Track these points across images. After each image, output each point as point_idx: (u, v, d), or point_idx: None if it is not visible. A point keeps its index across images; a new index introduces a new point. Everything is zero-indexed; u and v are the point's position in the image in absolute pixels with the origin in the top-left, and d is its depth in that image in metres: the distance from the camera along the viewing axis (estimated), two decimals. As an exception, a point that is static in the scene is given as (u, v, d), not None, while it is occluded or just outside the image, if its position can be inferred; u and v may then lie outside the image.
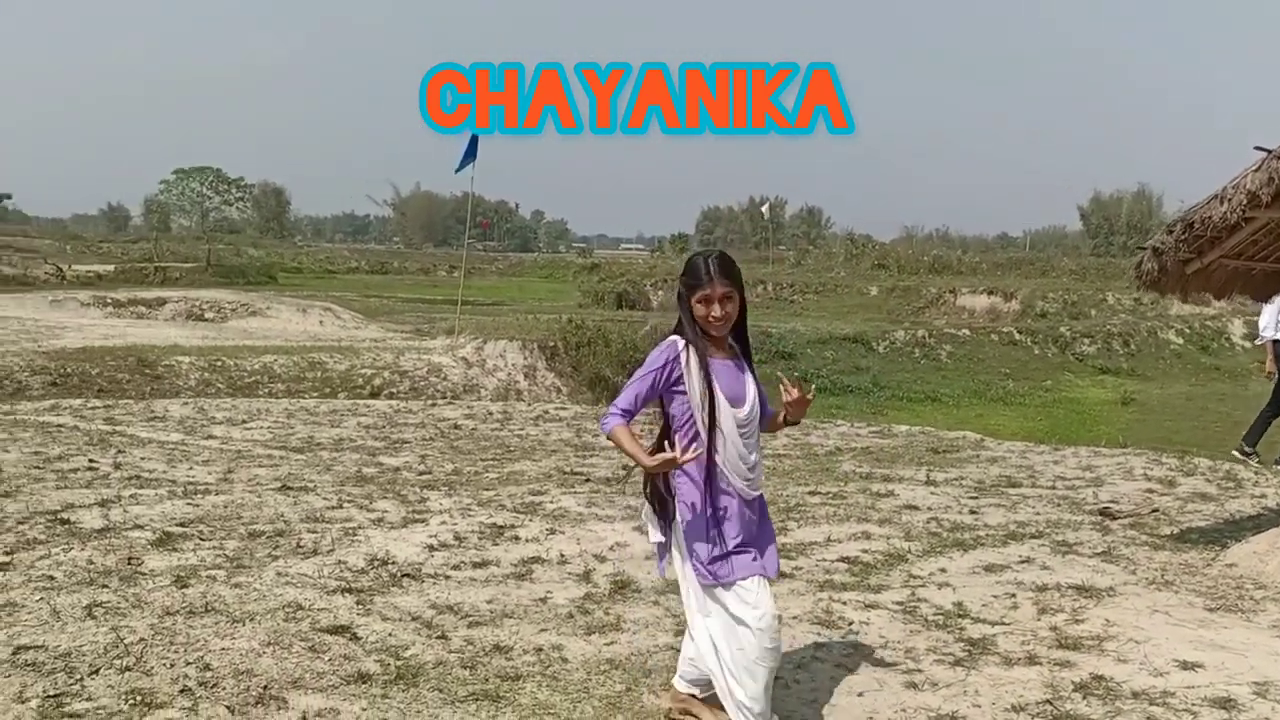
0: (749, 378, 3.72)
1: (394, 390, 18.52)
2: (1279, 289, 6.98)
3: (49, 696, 4.05)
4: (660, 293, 50.65)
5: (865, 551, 6.53)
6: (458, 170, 23.39)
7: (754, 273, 52.22)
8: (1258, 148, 5.34)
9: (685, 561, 3.74)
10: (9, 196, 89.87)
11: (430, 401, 14.47)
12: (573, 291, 50.33)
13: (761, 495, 3.81)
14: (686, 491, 3.67)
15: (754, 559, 3.68)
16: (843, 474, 9.21)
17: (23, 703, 3.99)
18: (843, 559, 6.36)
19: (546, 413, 12.90)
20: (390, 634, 4.85)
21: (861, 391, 31.19)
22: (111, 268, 46.63)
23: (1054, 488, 8.83)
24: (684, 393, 3.60)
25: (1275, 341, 11.10)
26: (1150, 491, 8.66)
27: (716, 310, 3.57)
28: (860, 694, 4.42)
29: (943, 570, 6.20)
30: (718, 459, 3.60)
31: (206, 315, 30.16)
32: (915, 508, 7.85)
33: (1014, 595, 5.75)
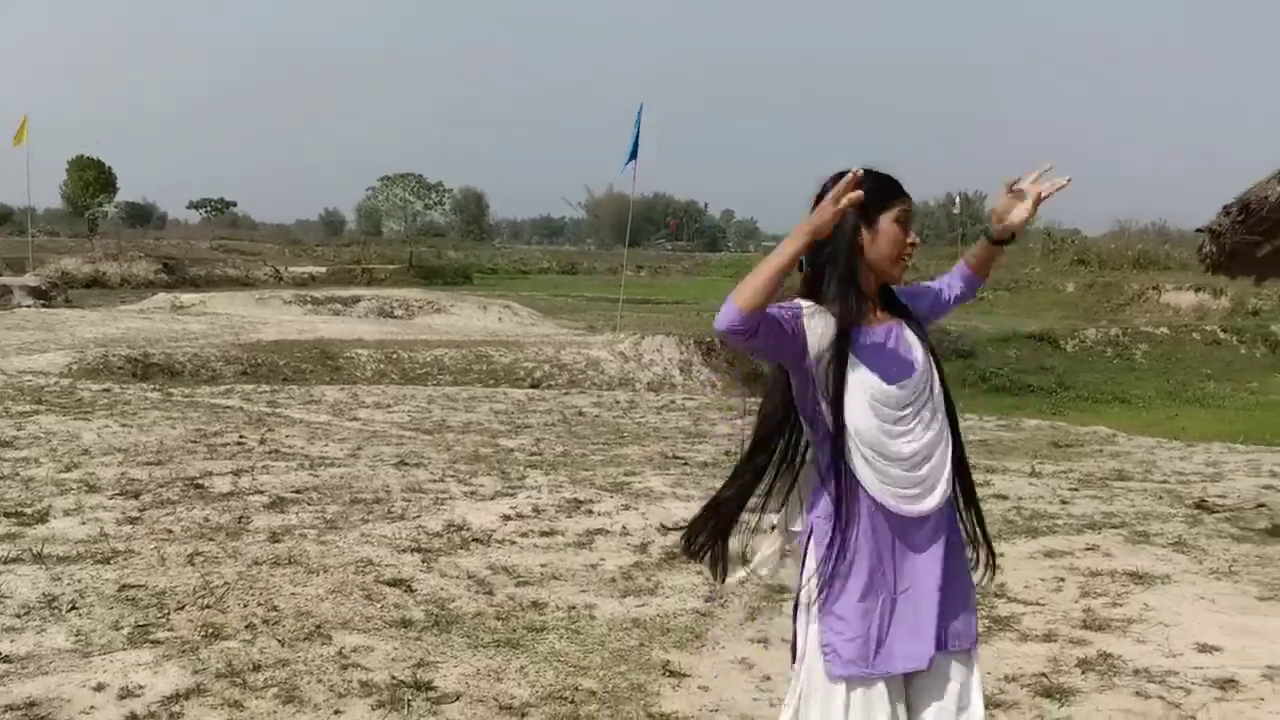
0: (917, 344, 2.54)
1: (553, 382, 19.29)
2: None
3: (138, 626, 4.74)
4: (842, 289, 50.22)
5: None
6: (624, 167, 24.19)
7: (942, 269, 51.00)
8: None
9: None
10: (234, 204, 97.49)
11: (564, 390, 15.08)
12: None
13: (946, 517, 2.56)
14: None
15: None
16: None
17: (116, 630, 4.69)
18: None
19: (673, 402, 13.32)
20: (442, 588, 5.36)
21: (1045, 391, 30.09)
22: (324, 269, 50.13)
23: (1165, 482, 8.55)
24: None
25: None
26: (1269, 488, 8.27)
27: (913, 234, 2.52)
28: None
29: (1001, 555, 6.20)
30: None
31: (396, 313, 32.11)
32: (1004, 497, 7.81)
33: (1063, 579, 5.74)
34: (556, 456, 9.15)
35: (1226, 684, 4.26)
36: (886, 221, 2.49)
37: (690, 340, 22.90)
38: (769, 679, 4.38)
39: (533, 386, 18.15)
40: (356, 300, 33.08)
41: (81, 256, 43.04)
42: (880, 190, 2.47)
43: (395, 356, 20.39)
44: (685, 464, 8.86)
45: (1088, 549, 6.32)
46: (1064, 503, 7.65)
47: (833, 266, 2.49)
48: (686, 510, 7.05)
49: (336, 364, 19.47)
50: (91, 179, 63.63)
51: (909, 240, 2.51)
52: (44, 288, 31.76)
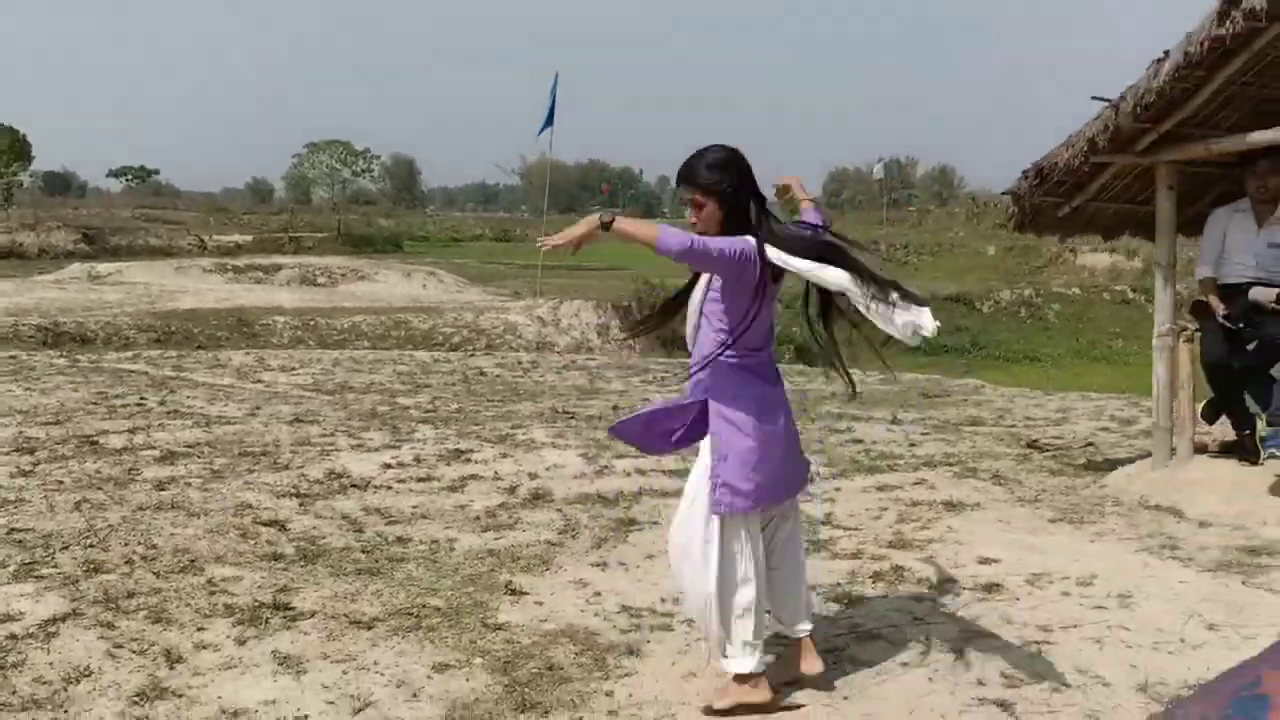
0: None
1: (471, 347, 19.67)
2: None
3: (23, 564, 5.13)
4: (770, 254, 50.97)
5: (778, 474, 7.19)
6: (539, 134, 24.46)
7: (869, 233, 51.94)
8: (1095, 98, 5.74)
9: None
10: (156, 172, 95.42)
11: (469, 353, 15.49)
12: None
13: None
14: None
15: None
16: (816, 414, 9.82)
17: (2, 567, 5.08)
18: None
19: (574, 362, 13.81)
20: (314, 528, 5.81)
21: (958, 351, 31.05)
22: (250, 238, 49.59)
23: (1013, 426, 9.26)
24: None
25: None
26: (1103, 429, 9.01)
27: (690, 216, 3.50)
28: (681, 577, 5.16)
29: (837, 489, 6.84)
30: None
31: (319, 280, 32.10)
32: (860, 441, 8.45)
33: (886, 509, 6.36)
34: (450, 413, 9.61)
35: (992, 587, 4.89)
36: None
37: (607, 304, 23.41)
38: (599, 595, 4.92)
39: (450, 350, 18.52)
40: (278, 268, 32.99)
41: (-5, 226, 42.18)
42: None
43: (313, 324, 20.61)
44: (572, 418, 9.36)
45: (917, 483, 6.96)
46: (912, 445, 8.31)
47: None
48: (560, 457, 7.58)
49: (253, 331, 19.65)
50: (5, 147, 62.07)
51: (691, 221, 3.47)
52: (-45, 259, 31.19)
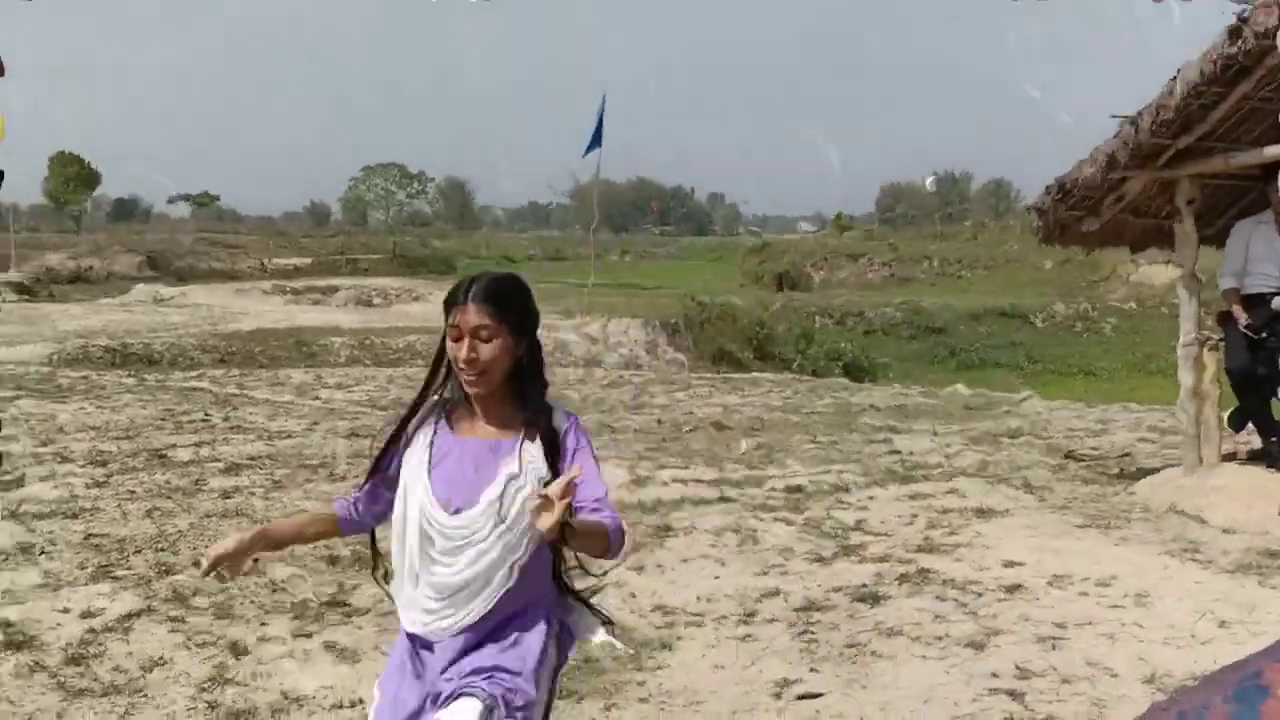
0: (510, 469, 2.32)
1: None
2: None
3: (100, 566, 5.52)
4: (821, 273, 51.04)
5: (813, 484, 7.41)
6: (585, 154, 24.86)
7: (921, 248, 51.84)
8: (1115, 115, 5.92)
9: None
10: (218, 198, 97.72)
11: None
12: (736, 273, 51.32)
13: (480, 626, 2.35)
14: None
15: None
16: (857, 426, 10.00)
17: (81, 569, 5.47)
18: (788, 488, 7.27)
19: (622, 377, 14.11)
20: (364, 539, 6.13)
21: (1012, 366, 30.88)
22: (309, 260, 50.72)
23: (1051, 437, 9.37)
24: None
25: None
26: (1142, 440, 9.09)
27: (463, 349, 2.31)
28: (716, 576, 5.42)
29: (871, 498, 7.04)
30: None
31: (374, 301, 32.82)
32: (897, 451, 8.62)
33: (917, 516, 6.55)
34: (498, 426, 9.94)
35: (1013, 588, 5.07)
36: (448, 337, 2.36)
37: (656, 322, 23.71)
38: (635, 595, 5.18)
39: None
40: (335, 290, 33.75)
41: (66, 252, 43.62)
42: (445, 304, 2.38)
43: (368, 343, 21.13)
44: (614, 431, 9.65)
45: (949, 492, 7.13)
46: (948, 455, 8.46)
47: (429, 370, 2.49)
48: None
49: (311, 350, 20.21)
50: (73, 175, 63.97)
51: (458, 355, 2.31)
52: (27, 283, 32.40)
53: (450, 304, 2.36)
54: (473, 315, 2.32)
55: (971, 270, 48.29)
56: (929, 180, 62.84)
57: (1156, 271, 42.26)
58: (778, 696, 4.01)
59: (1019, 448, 8.85)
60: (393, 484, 2.46)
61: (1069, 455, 8.29)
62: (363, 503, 2.53)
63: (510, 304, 2.37)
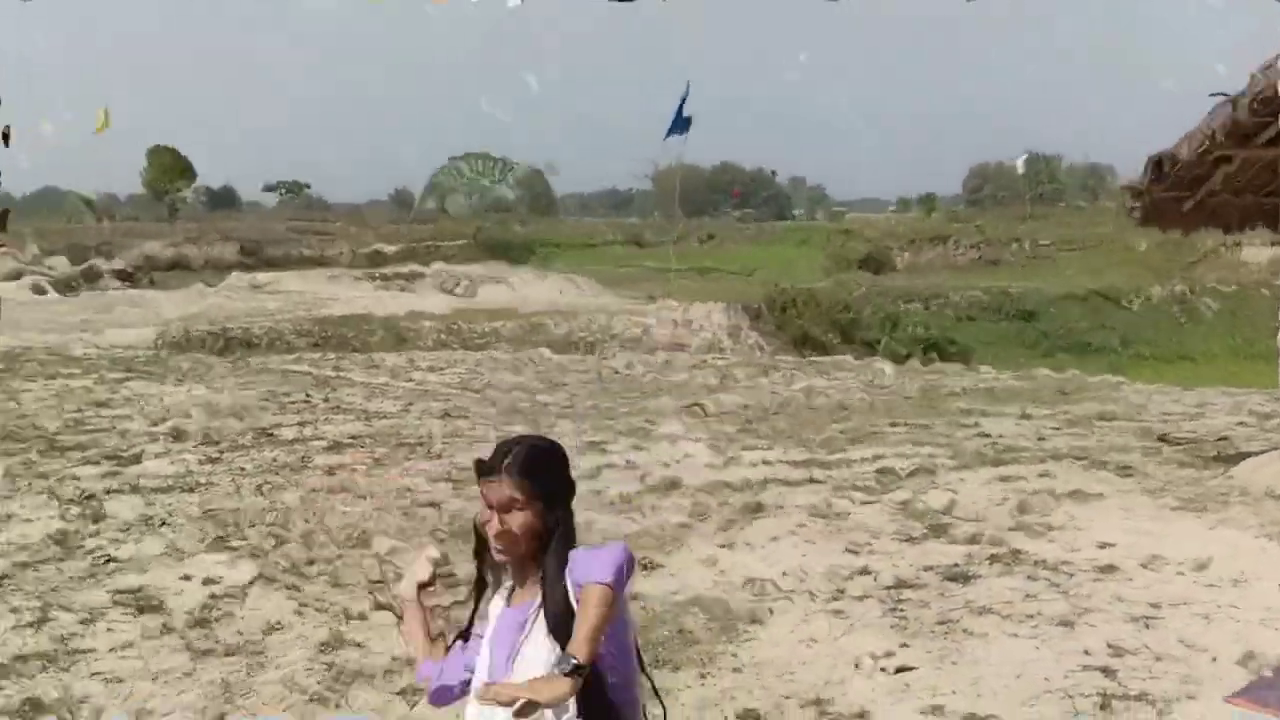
0: (537, 639, 2.15)
1: (606, 348, 20.26)
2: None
3: (217, 537, 5.82)
4: (906, 256, 50.36)
5: (901, 466, 7.44)
6: (666, 137, 24.93)
7: (1010, 230, 50.85)
8: (1213, 94, 5.82)
9: None
10: (308, 186, 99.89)
11: (603, 354, 16.02)
12: (820, 257, 50.86)
13: None
14: None
15: None
16: (944, 409, 9.96)
17: (200, 540, 5.77)
18: (878, 470, 7.31)
19: (704, 362, 14.21)
20: (465, 509, 6.34)
21: (1105, 350, 30.15)
22: (395, 247, 51.69)
23: (1146, 421, 9.23)
24: None
25: None
26: (1240, 424, 8.92)
27: (494, 524, 2.21)
28: (805, 554, 5.51)
29: (961, 480, 7.04)
30: None
31: (459, 287, 33.36)
32: (987, 435, 8.59)
33: (1008, 498, 6.54)
34: (586, 409, 10.13)
35: (1107, 569, 5.08)
36: (482, 506, 2.21)
37: (738, 306, 23.75)
38: (725, 571, 5.30)
39: (586, 352, 19.15)
40: (421, 276, 34.42)
41: (163, 241, 45.09)
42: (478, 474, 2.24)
43: (456, 327, 21.57)
44: (702, 413, 9.76)
45: (1041, 475, 7.10)
46: (1040, 439, 8.41)
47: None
48: (690, 448, 7.99)
49: (402, 335, 20.70)
50: (169, 165, 65.95)
51: (490, 529, 2.19)
52: (129, 270, 33.64)
53: (483, 473, 2.20)
54: (506, 488, 2.18)
55: (1063, 252, 47.18)
56: (1020, 160, 61.31)
57: (1259, 253, 40.83)
58: (868, 669, 4.10)
59: (1113, 431, 8.74)
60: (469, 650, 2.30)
61: (1164, 439, 8.18)
62: (438, 673, 2.34)
63: (544, 476, 2.23)
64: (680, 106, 23.51)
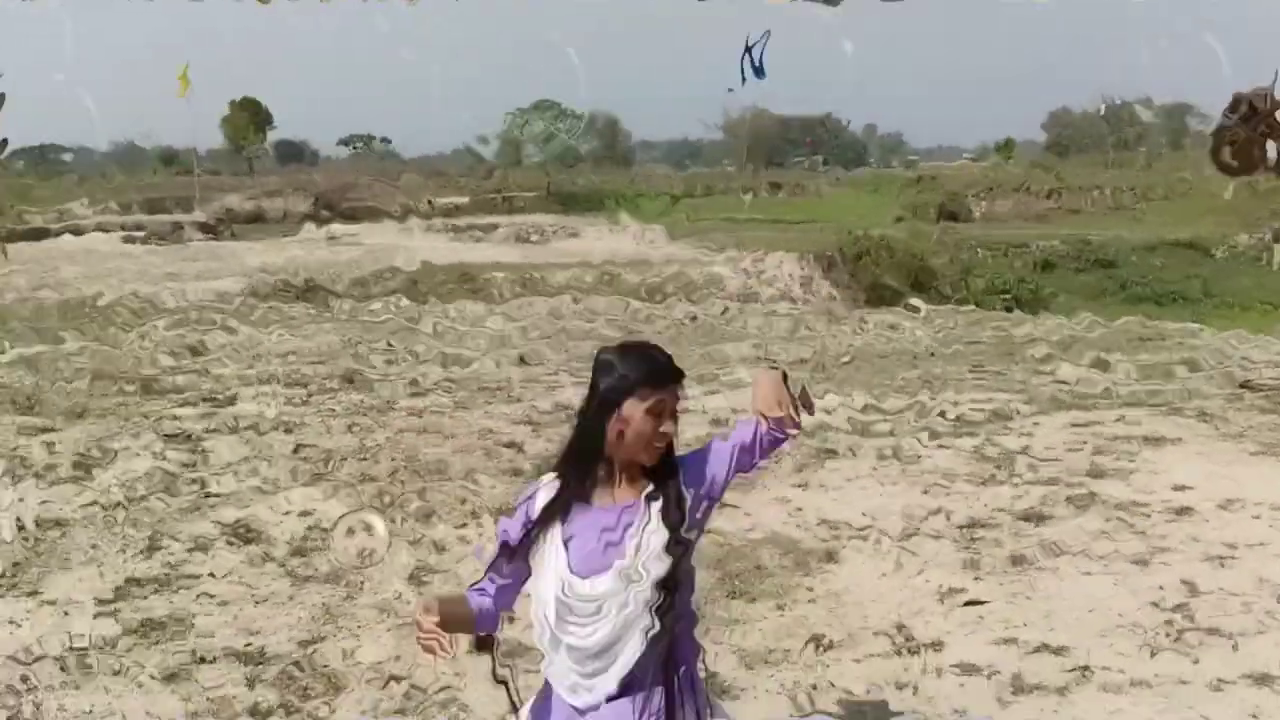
0: (640, 531, 2.33)
1: (678, 298, 20.33)
2: None
3: (312, 474, 6.09)
4: (983, 204, 49.43)
5: (977, 411, 7.46)
6: (743, 83, 24.71)
7: (1091, 178, 49.62)
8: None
9: None
10: (387, 140, 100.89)
11: (676, 303, 16.07)
12: (894, 206, 50.13)
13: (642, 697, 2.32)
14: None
15: None
16: (1021, 356, 9.91)
17: (295, 477, 6.05)
18: (951, 416, 7.34)
19: (775, 311, 14.24)
20: (546, 449, 6.54)
21: (1189, 300, 29.44)
22: (467, 199, 52.11)
23: (1228, 368, 9.09)
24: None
25: None
26: (1327, 371, 8.75)
27: (671, 427, 2.37)
28: (880, 495, 5.61)
29: (1036, 424, 7.06)
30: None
31: (531, 238, 33.59)
32: (1063, 382, 8.55)
33: (1085, 443, 6.55)
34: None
35: (1183, 510, 5.10)
36: (636, 410, 2.28)
37: (810, 256, 23.62)
38: (800, 510, 5.42)
39: (659, 301, 19.25)
40: (495, 227, 34.66)
41: (243, 193, 46.01)
42: (631, 376, 2.32)
43: (529, 278, 21.77)
44: (774, 362, 9.83)
45: (1118, 420, 7.08)
46: (1118, 385, 8.34)
47: (573, 443, 2.39)
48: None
49: (476, 285, 20.99)
50: (250, 119, 67.08)
51: (661, 430, 2.31)
52: (211, 223, 34.48)
53: (654, 383, 2.31)
54: (675, 395, 2.34)
55: (1145, 200, 45.90)
56: (1101, 106, 59.61)
57: (1352, 199, 39.39)
58: (941, 602, 4.20)
59: (1192, 378, 8.64)
60: (521, 561, 2.36)
61: (1245, 385, 8.07)
62: (494, 587, 2.37)
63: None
64: (760, 54, 23.29)
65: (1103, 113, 61.27)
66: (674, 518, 2.33)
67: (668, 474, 2.40)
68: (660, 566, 2.30)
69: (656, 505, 2.33)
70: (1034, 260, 30.17)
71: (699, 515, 2.41)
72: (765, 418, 2.39)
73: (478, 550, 2.50)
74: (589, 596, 2.29)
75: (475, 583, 2.37)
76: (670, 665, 2.36)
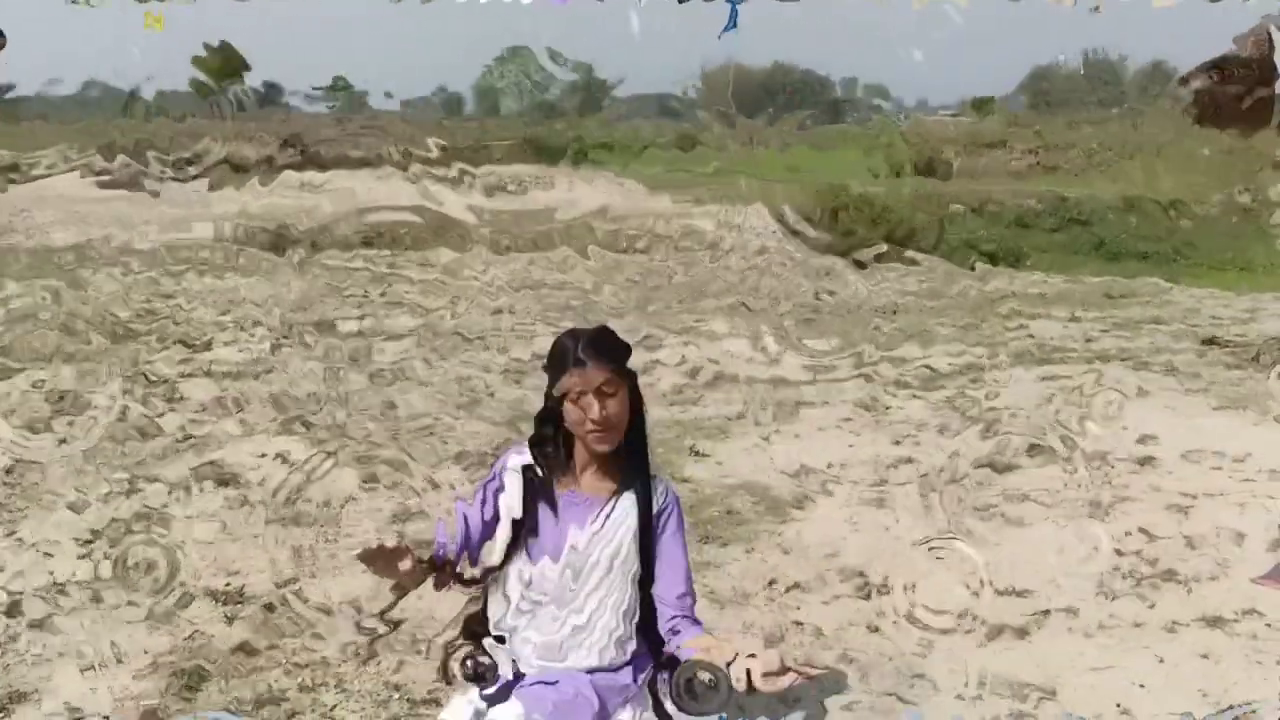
0: (613, 521, 2.41)
1: (656, 250, 20.33)
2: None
3: (286, 420, 6.11)
4: (960, 160, 49.46)
5: (949, 365, 7.56)
6: (720, 35, 24.53)
7: (1069, 135, 49.72)
8: (1281, -15, 5.71)
9: None
10: (364, 92, 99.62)
11: (653, 256, 16.10)
12: (873, 160, 50.13)
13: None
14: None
15: None
16: (993, 311, 10.02)
17: (271, 422, 6.07)
18: (922, 368, 7.44)
19: (755, 266, 14.31)
20: (524, 398, 6.58)
21: (1160, 258, 29.63)
22: (444, 147, 51.60)
23: (1196, 325, 9.24)
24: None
25: None
26: (1292, 328, 8.91)
27: (596, 410, 2.32)
28: (850, 445, 5.70)
29: (1007, 377, 7.17)
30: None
31: (509, 188, 33.35)
32: (1034, 336, 8.67)
33: (1053, 396, 6.66)
34: (636, 304, 10.32)
35: (1146, 460, 5.22)
36: (566, 401, 2.34)
37: (786, 208, 23.61)
38: (772, 459, 5.51)
39: (638, 253, 19.24)
40: (471, 176, 34.41)
41: (216, 138, 45.40)
42: (554, 363, 2.37)
43: (505, 229, 21.73)
44: (748, 310, 9.91)
45: (1087, 373, 7.20)
46: (1088, 340, 8.49)
47: (533, 435, 2.46)
48: (738, 346, 8.17)
49: (451, 234, 20.92)
50: (224, 62, 65.95)
51: (590, 418, 2.31)
52: (183, 167, 34.04)
53: (564, 365, 2.32)
54: (596, 373, 2.31)
55: (1123, 158, 46.05)
56: (1079, 62, 59.53)
57: (1327, 160, 39.65)
58: (909, 548, 4.30)
59: (1161, 334, 8.78)
60: (484, 535, 2.47)
61: (1211, 341, 8.21)
62: (453, 532, 2.48)
63: (624, 357, 2.42)
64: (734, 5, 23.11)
65: (1082, 71, 61.19)
66: (641, 520, 2.40)
67: (636, 471, 2.44)
68: (625, 565, 2.38)
69: (624, 503, 2.40)
70: (1010, 217, 30.29)
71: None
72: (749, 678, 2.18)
73: (439, 529, 2.55)
74: (549, 584, 2.37)
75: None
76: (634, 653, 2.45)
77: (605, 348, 2.37)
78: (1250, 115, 6.61)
